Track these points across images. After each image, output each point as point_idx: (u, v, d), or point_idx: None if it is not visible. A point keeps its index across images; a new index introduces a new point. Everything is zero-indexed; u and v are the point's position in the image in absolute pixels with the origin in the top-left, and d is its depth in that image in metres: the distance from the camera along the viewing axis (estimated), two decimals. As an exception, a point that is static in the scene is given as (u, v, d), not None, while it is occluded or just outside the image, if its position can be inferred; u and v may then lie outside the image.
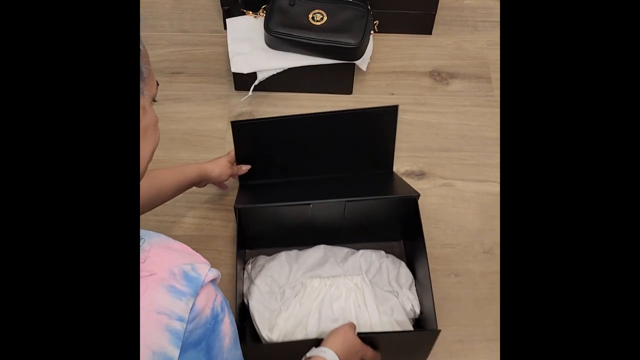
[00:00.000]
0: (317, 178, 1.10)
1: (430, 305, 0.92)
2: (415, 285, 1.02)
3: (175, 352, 0.52)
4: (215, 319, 0.56)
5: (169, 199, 1.02)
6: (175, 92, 1.29)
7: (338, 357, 0.84)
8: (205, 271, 0.56)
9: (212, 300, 0.56)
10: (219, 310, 0.57)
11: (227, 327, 0.59)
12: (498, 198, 1.15)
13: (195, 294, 0.53)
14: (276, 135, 1.06)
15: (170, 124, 1.25)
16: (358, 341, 0.88)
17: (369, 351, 0.89)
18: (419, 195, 0.99)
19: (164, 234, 0.59)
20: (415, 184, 1.17)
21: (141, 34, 0.55)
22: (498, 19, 1.39)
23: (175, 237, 0.57)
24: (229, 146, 1.14)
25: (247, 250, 1.09)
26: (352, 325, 0.90)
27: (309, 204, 0.96)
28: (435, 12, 1.33)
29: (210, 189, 1.17)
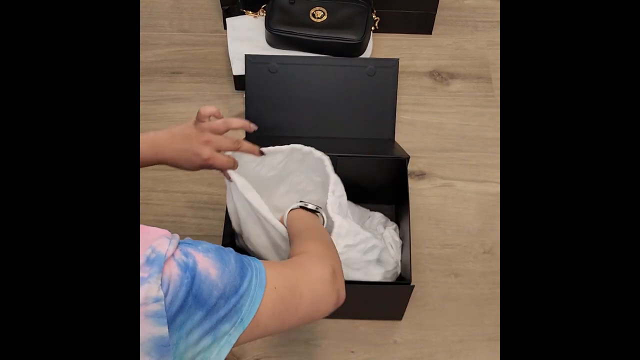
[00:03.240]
0: (319, 137, 1.16)
1: (407, 259, 0.95)
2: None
3: (164, 330, 0.51)
4: (187, 270, 0.54)
5: None
6: (175, 92, 1.29)
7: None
8: (166, 247, 0.54)
9: (173, 260, 0.54)
10: (185, 258, 0.55)
11: (205, 262, 0.56)
12: (498, 198, 1.15)
13: (160, 270, 0.52)
14: (286, 81, 1.14)
15: (170, 124, 1.24)
16: None
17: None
18: (408, 157, 1.03)
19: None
20: (415, 184, 1.17)
21: (140, 33, 0.55)
22: (498, 19, 1.38)
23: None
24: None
25: None
26: None
27: None
28: (435, 12, 1.33)
29: (211, 189, 1.17)
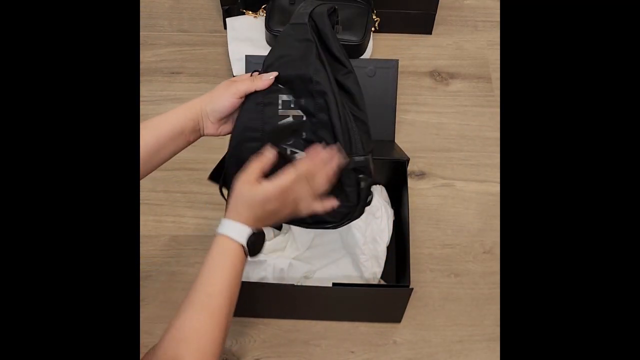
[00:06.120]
0: None
1: (407, 260, 0.96)
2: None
3: None
4: None
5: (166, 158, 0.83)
6: (174, 92, 1.29)
7: (245, 223, 0.70)
8: None
9: None
10: None
11: None
12: (498, 198, 1.15)
13: None
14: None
15: (170, 124, 1.25)
16: (260, 191, 0.69)
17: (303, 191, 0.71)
18: (408, 159, 1.03)
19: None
20: (415, 184, 1.17)
21: (140, 33, 0.55)
22: (498, 19, 1.39)
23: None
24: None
25: None
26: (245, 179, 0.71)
27: None
28: (435, 12, 1.33)
29: (211, 189, 1.17)
